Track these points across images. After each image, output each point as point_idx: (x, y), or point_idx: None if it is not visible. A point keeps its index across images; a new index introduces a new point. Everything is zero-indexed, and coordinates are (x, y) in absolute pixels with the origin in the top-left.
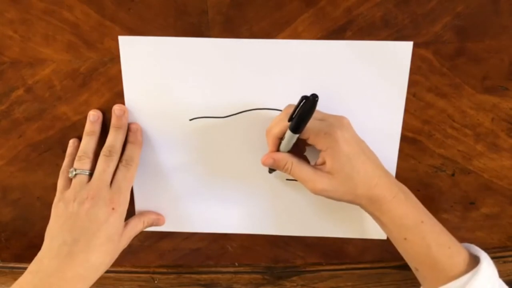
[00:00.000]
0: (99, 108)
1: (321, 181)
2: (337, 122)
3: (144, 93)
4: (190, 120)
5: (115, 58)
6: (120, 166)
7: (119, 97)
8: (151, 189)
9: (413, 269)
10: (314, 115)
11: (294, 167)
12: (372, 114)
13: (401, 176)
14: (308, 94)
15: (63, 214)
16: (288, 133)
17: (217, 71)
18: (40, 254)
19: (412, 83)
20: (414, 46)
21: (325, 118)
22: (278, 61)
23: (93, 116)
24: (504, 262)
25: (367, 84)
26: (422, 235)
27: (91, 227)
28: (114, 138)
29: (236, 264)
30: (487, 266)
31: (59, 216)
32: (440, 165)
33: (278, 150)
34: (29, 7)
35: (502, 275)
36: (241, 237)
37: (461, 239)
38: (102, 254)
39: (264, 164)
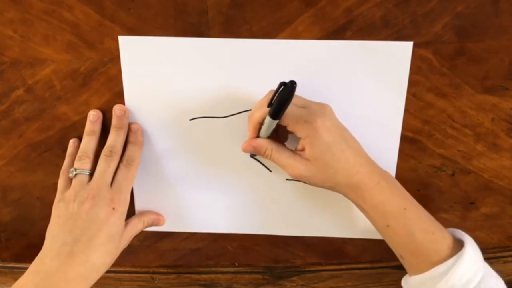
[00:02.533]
0: (99, 108)
1: (298, 167)
2: (319, 110)
3: (144, 93)
4: (190, 120)
5: (115, 58)
6: (121, 166)
7: (119, 97)
8: (151, 189)
9: (398, 257)
10: (296, 101)
11: (273, 153)
12: (372, 114)
13: (401, 176)
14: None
15: (63, 214)
16: (268, 118)
17: (217, 71)
18: (41, 254)
19: (412, 83)
20: (414, 46)
21: (307, 105)
22: (278, 61)
23: (93, 116)
24: (504, 262)
25: (367, 84)
26: (404, 222)
27: (91, 227)
28: (115, 138)
29: (236, 264)
30: (471, 250)
31: (60, 216)
32: (440, 165)
33: (258, 135)
34: (29, 7)
35: (502, 275)
36: (241, 237)
37: None
38: (102, 254)
39: (244, 151)
